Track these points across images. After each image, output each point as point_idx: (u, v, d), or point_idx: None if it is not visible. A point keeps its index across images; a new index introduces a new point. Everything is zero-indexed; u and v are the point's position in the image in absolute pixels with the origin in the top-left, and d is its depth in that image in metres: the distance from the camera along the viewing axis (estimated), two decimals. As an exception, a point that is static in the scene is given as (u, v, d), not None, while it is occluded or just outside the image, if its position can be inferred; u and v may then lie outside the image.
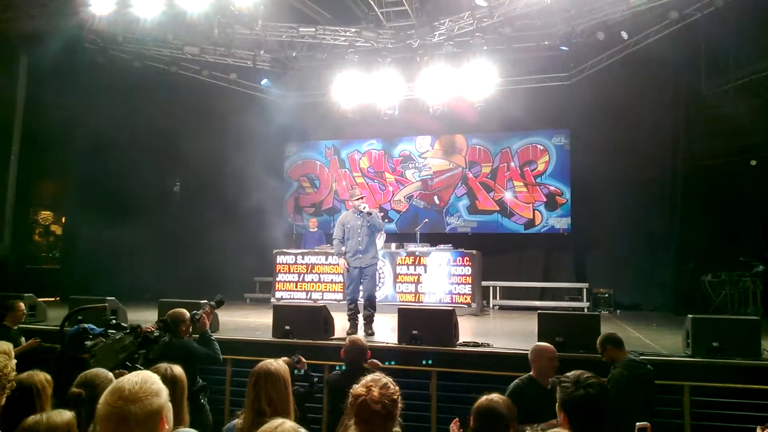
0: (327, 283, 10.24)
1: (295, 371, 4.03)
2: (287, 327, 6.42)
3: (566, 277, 11.39)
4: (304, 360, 4.33)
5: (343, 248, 7.19)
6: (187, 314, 4.55)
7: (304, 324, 6.43)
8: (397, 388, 2.31)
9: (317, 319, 6.46)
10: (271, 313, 6.81)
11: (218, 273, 10.52)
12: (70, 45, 9.75)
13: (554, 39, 10.09)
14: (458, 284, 9.74)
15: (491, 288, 10.91)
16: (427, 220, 11.47)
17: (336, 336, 6.55)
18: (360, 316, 7.20)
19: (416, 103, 11.54)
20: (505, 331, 8.10)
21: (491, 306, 10.88)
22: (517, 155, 12.12)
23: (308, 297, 10.24)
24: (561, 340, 5.42)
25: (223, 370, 6.07)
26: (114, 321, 3.52)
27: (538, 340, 5.47)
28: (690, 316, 5.67)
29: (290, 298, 10.28)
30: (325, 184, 13.41)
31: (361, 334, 6.79)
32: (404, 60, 10.76)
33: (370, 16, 9.96)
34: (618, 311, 10.43)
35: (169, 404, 1.77)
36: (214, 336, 4.81)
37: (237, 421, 2.81)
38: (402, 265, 10.02)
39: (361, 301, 7.23)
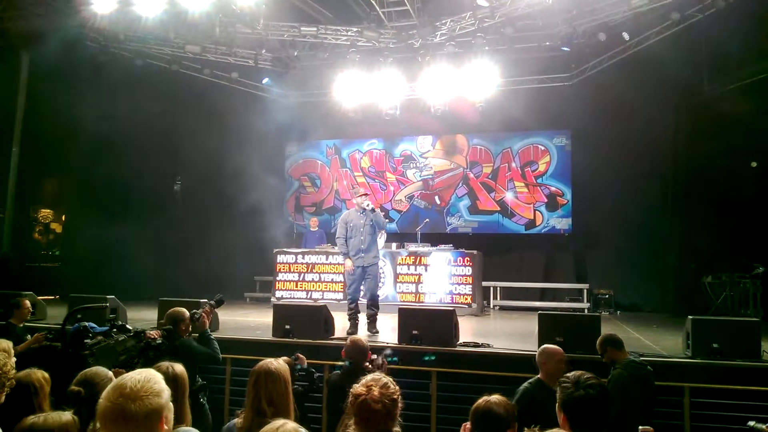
0: (327, 282, 10.24)
1: (297, 366, 4.03)
2: (287, 326, 6.43)
3: (567, 277, 11.38)
4: (303, 357, 4.32)
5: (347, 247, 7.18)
6: (187, 313, 4.54)
7: (304, 323, 6.43)
8: (397, 387, 2.31)
9: (317, 318, 6.46)
10: (271, 313, 6.81)
11: (218, 272, 10.51)
12: (71, 43, 9.72)
13: (556, 39, 10.09)
14: (459, 284, 9.75)
15: (492, 288, 10.90)
16: (427, 220, 11.47)
17: (336, 336, 6.54)
18: (360, 316, 7.19)
19: (417, 103, 11.53)
20: (505, 332, 8.10)
21: (491, 306, 10.87)
22: (518, 155, 12.12)
23: (308, 296, 10.25)
24: (561, 341, 5.41)
25: (222, 370, 6.06)
26: (119, 322, 3.53)
27: (539, 341, 5.46)
28: (690, 317, 5.67)
29: (290, 298, 10.28)
30: (326, 184, 13.41)
31: (364, 333, 6.81)
32: (406, 60, 10.75)
33: (371, 15, 9.96)
34: (618, 312, 10.42)
35: (171, 405, 1.76)
36: (214, 335, 4.80)
37: (237, 421, 2.81)
38: (402, 264, 10.02)
39: (362, 301, 7.23)
